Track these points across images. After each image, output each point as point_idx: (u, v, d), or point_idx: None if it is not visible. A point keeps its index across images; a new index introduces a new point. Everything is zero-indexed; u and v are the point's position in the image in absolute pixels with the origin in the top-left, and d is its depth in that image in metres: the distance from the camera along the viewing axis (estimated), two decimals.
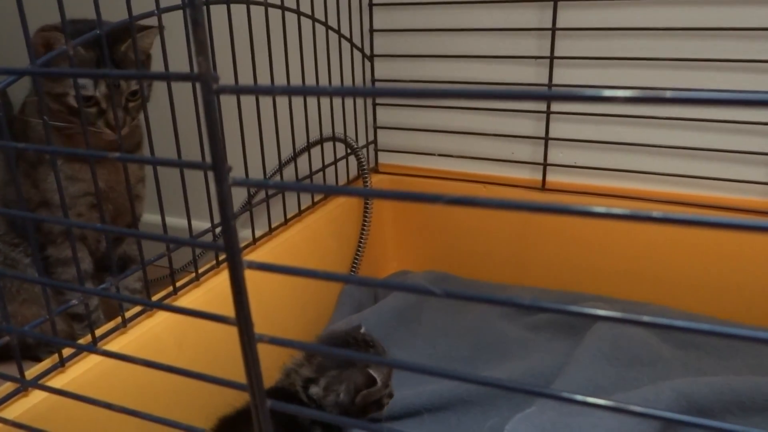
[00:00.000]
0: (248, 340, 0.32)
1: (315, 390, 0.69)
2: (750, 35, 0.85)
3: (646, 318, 0.25)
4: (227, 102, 0.70)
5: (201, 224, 0.79)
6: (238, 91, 0.27)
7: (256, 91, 0.26)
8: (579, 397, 0.28)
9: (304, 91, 0.25)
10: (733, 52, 0.86)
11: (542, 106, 0.99)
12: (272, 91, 0.26)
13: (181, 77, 0.29)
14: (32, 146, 0.36)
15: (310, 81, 0.97)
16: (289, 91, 0.26)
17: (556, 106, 0.98)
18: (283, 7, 0.86)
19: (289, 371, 0.72)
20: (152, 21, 0.68)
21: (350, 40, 1.02)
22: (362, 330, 0.76)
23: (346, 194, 0.25)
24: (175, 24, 0.71)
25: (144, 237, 0.35)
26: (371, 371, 0.68)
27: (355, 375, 0.68)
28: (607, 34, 0.92)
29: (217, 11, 0.71)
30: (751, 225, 0.22)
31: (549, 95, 0.22)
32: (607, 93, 0.22)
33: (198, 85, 0.27)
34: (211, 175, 0.29)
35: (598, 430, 0.64)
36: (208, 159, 0.29)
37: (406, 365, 0.31)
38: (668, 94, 0.21)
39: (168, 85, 0.68)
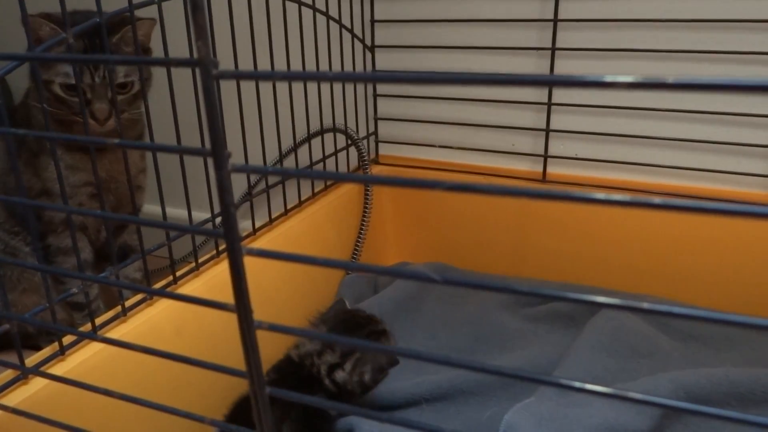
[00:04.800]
0: (247, 326, 0.32)
1: (341, 375, 0.70)
2: (755, 27, 0.85)
3: (645, 305, 0.25)
4: (227, 94, 0.70)
5: (202, 215, 0.79)
6: (237, 76, 0.27)
7: (256, 76, 0.26)
8: (578, 384, 0.28)
9: (304, 77, 0.25)
10: (737, 43, 0.86)
11: (543, 97, 0.99)
12: (272, 76, 0.26)
13: (181, 62, 0.28)
14: (29, 132, 0.36)
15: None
16: (290, 77, 0.26)
17: (557, 97, 0.98)
18: None
19: (307, 353, 0.72)
20: (152, 9, 0.68)
21: (351, 31, 1.01)
22: (347, 305, 0.77)
23: (346, 180, 0.25)
24: (175, 14, 0.71)
25: (143, 224, 0.35)
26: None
27: (378, 355, 0.70)
28: (609, 25, 0.92)
29: (218, 1, 0.70)
30: (748, 211, 0.22)
31: (550, 80, 0.22)
32: (609, 78, 0.21)
33: (198, 71, 0.27)
34: (210, 163, 0.29)
35: (596, 420, 0.64)
36: (208, 147, 0.29)
37: (415, 354, 0.31)
38: (670, 79, 0.21)
39: (168, 72, 0.67)
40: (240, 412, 0.67)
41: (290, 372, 0.72)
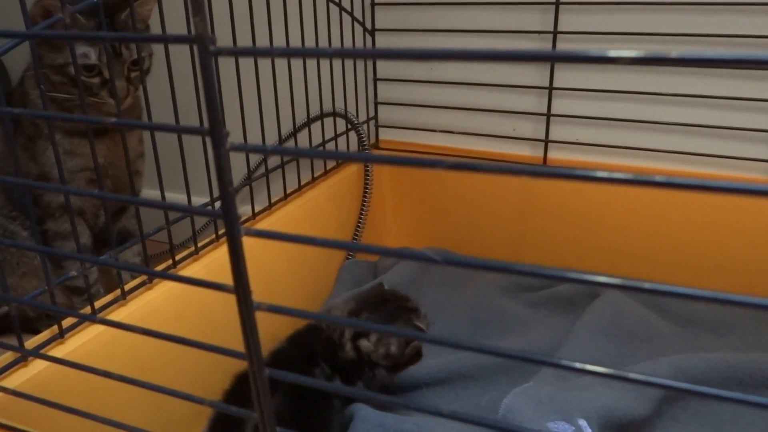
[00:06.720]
0: (246, 307, 0.32)
1: (366, 344, 0.69)
2: (762, 10, 0.84)
3: (647, 284, 0.25)
4: (226, 79, 0.69)
5: (201, 200, 0.79)
6: (235, 52, 0.27)
7: (254, 52, 0.26)
8: (578, 365, 0.28)
9: (303, 53, 0.25)
10: (743, 27, 0.85)
11: (545, 81, 0.98)
12: (271, 52, 0.26)
13: (178, 39, 0.28)
14: (28, 111, 0.36)
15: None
16: (288, 53, 0.25)
17: (558, 81, 0.97)
18: None
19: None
20: None
21: (351, 14, 1.01)
22: (386, 287, 0.78)
23: (347, 159, 0.25)
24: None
25: (142, 203, 0.34)
26: (418, 323, 0.70)
27: (404, 328, 0.70)
28: (612, 8, 0.91)
29: None
30: (748, 188, 0.22)
31: (553, 55, 0.22)
32: (613, 53, 0.21)
33: (195, 48, 0.27)
34: (209, 144, 0.29)
35: (595, 404, 0.64)
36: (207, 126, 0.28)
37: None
38: (673, 53, 0.20)
39: (165, 48, 0.67)
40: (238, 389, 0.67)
41: (307, 337, 0.71)
